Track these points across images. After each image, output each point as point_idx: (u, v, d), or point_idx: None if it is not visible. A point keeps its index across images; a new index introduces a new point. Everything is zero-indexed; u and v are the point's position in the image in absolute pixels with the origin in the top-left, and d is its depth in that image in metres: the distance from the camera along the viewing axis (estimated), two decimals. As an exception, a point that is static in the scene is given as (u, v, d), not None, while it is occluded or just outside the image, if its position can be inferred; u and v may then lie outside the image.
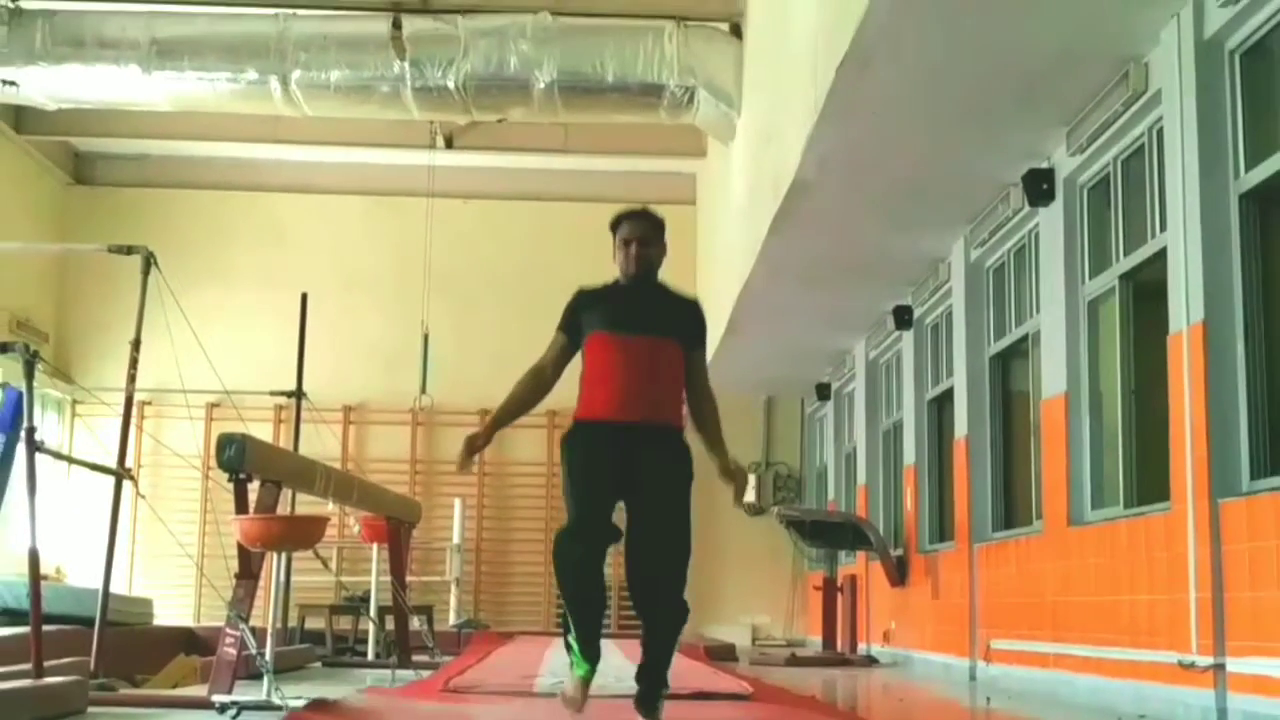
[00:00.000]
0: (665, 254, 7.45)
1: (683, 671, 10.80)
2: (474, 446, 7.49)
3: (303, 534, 9.34)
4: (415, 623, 15.06)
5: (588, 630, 6.98)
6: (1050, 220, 11.41)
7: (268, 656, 8.73)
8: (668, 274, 7.69)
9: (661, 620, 7.05)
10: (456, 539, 20.56)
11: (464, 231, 21.87)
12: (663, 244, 7.42)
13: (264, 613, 9.93)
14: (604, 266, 7.79)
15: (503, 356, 21.25)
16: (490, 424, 7.50)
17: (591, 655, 6.97)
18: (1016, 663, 12.06)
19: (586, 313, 7.30)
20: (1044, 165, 11.33)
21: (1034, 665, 11.50)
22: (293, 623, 16.20)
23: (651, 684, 6.99)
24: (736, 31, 16.01)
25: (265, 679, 8.41)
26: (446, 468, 22.46)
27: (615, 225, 7.36)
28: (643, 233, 7.29)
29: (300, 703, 7.55)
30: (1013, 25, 8.99)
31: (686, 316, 7.39)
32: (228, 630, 8.96)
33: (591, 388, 7.15)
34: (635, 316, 7.21)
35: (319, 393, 16.85)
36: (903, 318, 16.27)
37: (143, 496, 13.35)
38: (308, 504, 12.55)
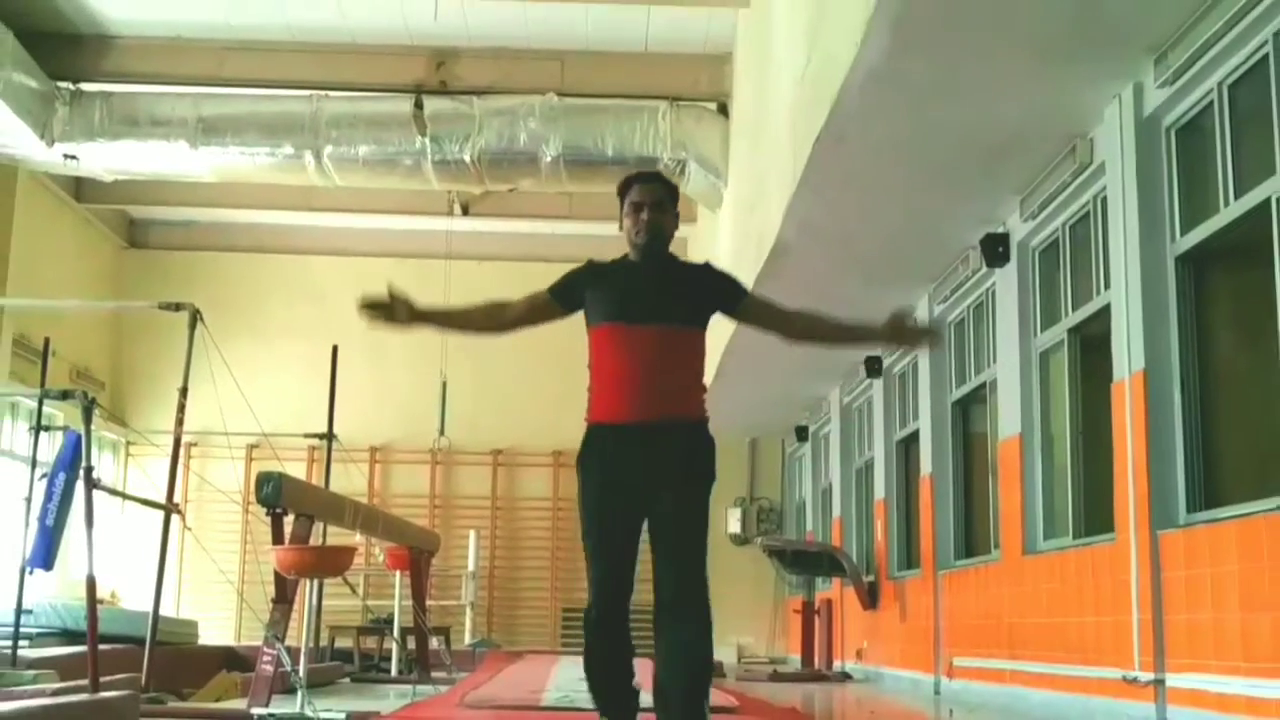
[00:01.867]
0: (678, 224, 6.22)
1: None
2: (395, 307, 6.16)
3: (333, 563, 9.34)
4: (434, 643, 15.04)
5: (616, 708, 5.89)
6: (1005, 279, 11.45)
7: (301, 673, 8.72)
8: None
9: (691, 625, 5.72)
10: (471, 566, 20.53)
11: (479, 290, 21.45)
12: (675, 212, 6.18)
13: (298, 633, 9.90)
14: None
15: (512, 402, 21.63)
16: (428, 312, 6.25)
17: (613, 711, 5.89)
18: (977, 678, 12.03)
19: (593, 292, 6.04)
20: (1000, 230, 11.36)
21: (992, 681, 11.47)
22: (323, 642, 16.14)
23: (686, 712, 5.66)
24: (723, 110, 16.06)
25: (299, 693, 8.39)
26: (463, 502, 22.52)
27: (624, 189, 6.16)
28: (656, 196, 6.05)
29: (332, 714, 7.52)
30: (972, 106, 9.02)
31: (708, 283, 6.16)
32: (265, 649, 8.94)
33: (603, 385, 5.93)
34: (648, 302, 5.91)
35: (348, 435, 16.83)
36: (873, 367, 16.27)
37: (189, 529, 13.34)
38: (337, 535, 12.53)
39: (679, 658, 5.70)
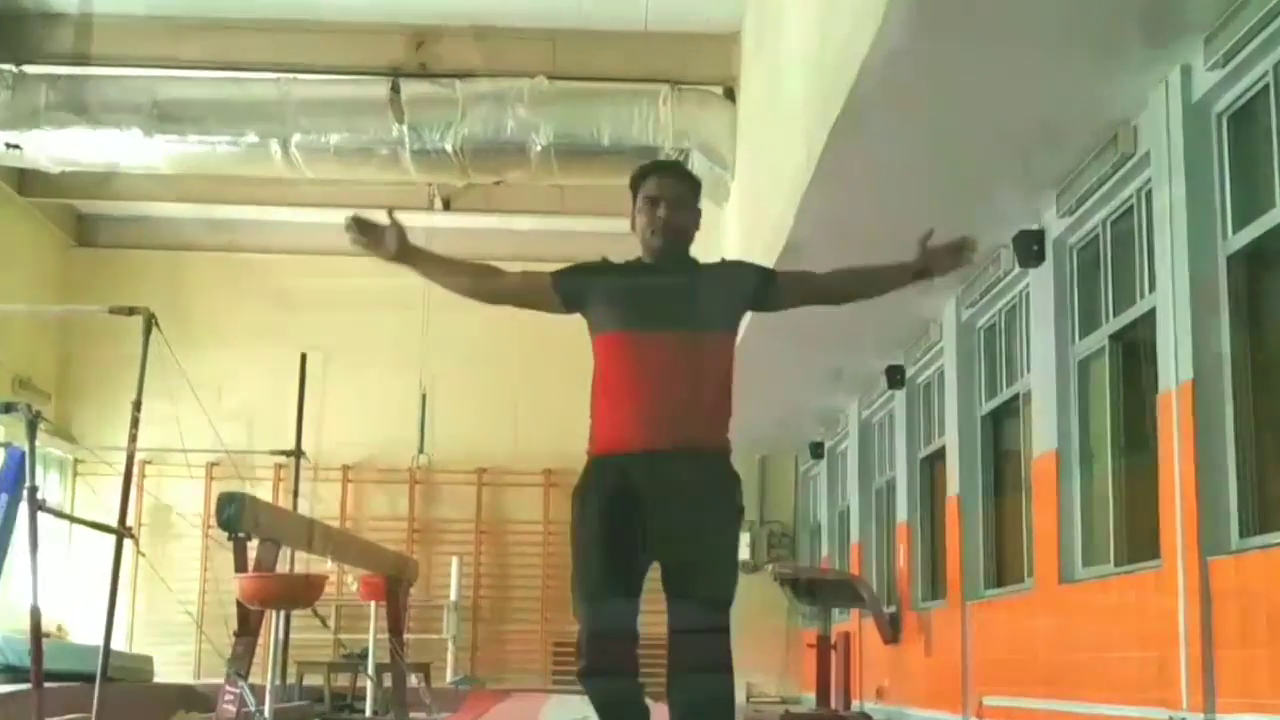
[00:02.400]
0: (699, 223, 5.89)
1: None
2: (386, 233, 5.81)
3: (301, 593, 9.34)
4: (413, 680, 15.02)
5: None
6: (1041, 281, 11.43)
7: (267, 713, 8.71)
8: None
9: (713, 680, 5.41)
10: (453, 596, 20.55)
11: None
12: (697, 209, 5.90)
13: (263, 670, 9.89)
14: None
15: (500, 416, 21.59)
16: (418, 251, 5.92)
17: None
18: (1010, 719, 12.02)
19: (599, 293, 5.69)
20: (1034, 227, 11.35)
21: (1026, 721, 11.48)
22: (291, 680, 16.15)
23: None
24: (730, 95, 16.08)
25: (264, 735, 8.41)
26: (444, 526, 22.49)
27: (638, 181, 5.80)
28: (675, 192, 5.71)
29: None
30: (1004, 91, 9.02)
31: (733, 282, 5.83)
32: (227, 687, 8.95)
33: (609, 406, 5.55)
34: (666, 306, 5.52)
35: (318, 452, 16.90)
36: (895, 378, 16.28)
37: (143, 555, 13.35)
38: (307, 562, 12.49)
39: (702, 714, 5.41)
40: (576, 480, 5.61)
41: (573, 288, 5.72)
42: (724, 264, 6.23)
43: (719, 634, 5.45)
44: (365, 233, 5.81)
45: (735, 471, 5.70)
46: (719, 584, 5.47)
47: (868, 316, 14.58)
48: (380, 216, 5.78)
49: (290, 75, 16.27)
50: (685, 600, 5.38)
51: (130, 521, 11.27)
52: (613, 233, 20.96)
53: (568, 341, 6.93)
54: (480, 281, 6.07)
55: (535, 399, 20.04)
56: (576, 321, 5.84)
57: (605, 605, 5.37)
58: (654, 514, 5.35)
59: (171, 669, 18.80)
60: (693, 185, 5.94)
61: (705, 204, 15.02)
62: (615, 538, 5.35)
